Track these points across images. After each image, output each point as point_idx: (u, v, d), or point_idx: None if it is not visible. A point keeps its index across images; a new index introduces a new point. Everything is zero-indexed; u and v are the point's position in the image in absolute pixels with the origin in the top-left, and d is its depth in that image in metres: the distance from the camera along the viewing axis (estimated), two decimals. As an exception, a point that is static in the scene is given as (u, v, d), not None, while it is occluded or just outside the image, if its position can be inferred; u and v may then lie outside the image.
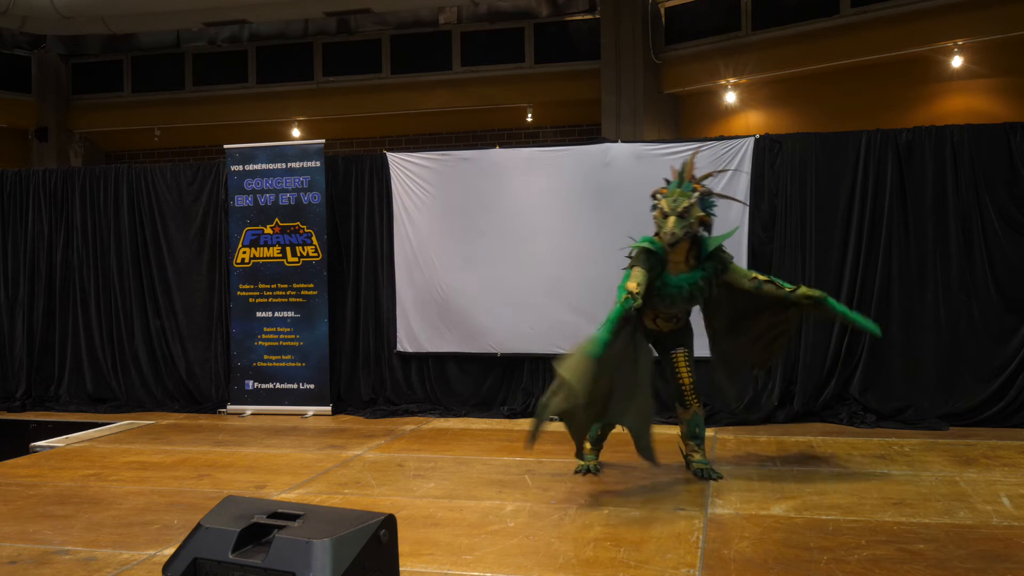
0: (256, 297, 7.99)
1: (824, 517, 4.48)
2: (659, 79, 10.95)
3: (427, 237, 7.67)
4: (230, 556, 2.59)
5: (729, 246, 7.06)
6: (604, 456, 5.98)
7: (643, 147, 7.48)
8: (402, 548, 3.20)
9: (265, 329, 7.98)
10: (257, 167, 7.99)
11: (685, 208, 5.10)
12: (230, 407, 8.02)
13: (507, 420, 7.38)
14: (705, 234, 5.30)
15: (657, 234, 5.21)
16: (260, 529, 2.66)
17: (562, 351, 7.33)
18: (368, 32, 12.08)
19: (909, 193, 6.96)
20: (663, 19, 10.97)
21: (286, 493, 5.13)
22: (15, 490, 5.32)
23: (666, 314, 5.35)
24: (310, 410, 7.84)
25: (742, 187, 7.14)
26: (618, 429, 5.79)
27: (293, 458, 6.11)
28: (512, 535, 4.27)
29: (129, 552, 4.13)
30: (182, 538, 2.91)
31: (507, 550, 4.05)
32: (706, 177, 5.34)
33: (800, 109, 10.22)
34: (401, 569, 2.92)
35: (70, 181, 8.56)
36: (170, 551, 3.50)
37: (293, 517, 2.66)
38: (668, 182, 5.31)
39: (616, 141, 7.61)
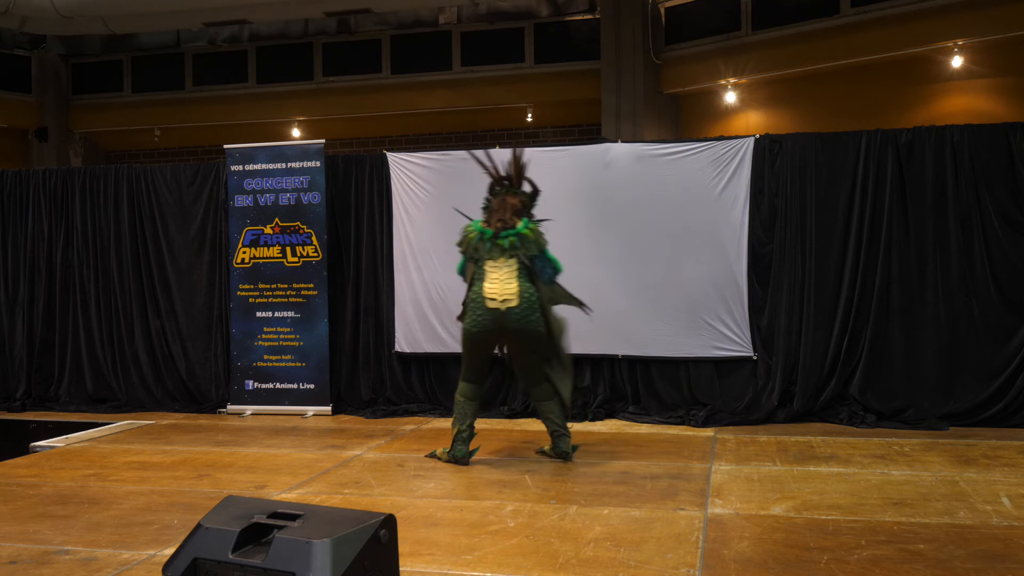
0: (256, 297, 7.99)
1: (824, 517, 4.48)
2: (659, 79, 10.96)
3: (427, 237, 7.66)
4: (230, 556, 2.59)
5: (730, 246, 7.16)
6: (605, 455, 5.99)
7: (643, 147, 7.48)
8: (402, 548, 3.20)
9: (265, 329, 7.98)
10: (257, 167, 7.99)
11: None
12: (230, 407, 8.02)
13: (507, 420, 7.38)
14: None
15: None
16: (260, 529, 2.66)
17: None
18: (368, 32, 12.09)
19: (909, 193, 6.96)
20: (663, 19, 10.98)
21: (286, 493, 5.13)
22: (15, 490, 5.32)
23: None
24: (310, 410, 7.85)
25: (743, 185, 7.15)
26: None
27: (293, 458, 6.11)
28: (512, 535, 4.27)
29: (129, 552, 4.13)
30: (182, 538, 2.91)
31: (507, 550, 4.05)
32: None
33: (800, 109, 10.23)
34: (401, 569, 2.92)
35: (70, 181, 8.55)
36: (170, 551, 3.50)
37: (293, 517, 2.66)
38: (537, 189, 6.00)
39: (616, 141, 7.61)
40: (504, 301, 5.58)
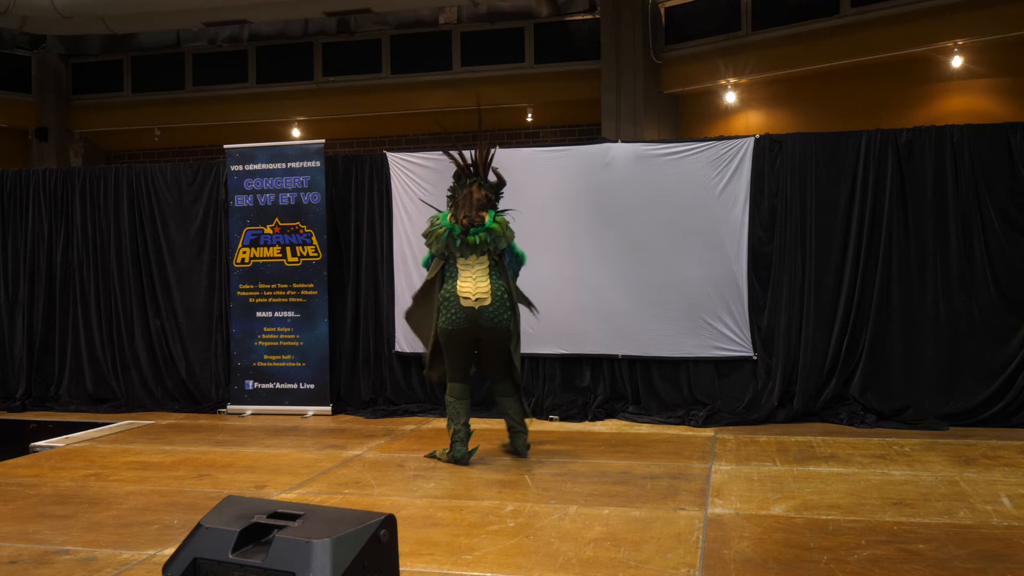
0: (256, 297, 7.99)
1: (824, 517, 4.48)
2: (659, 79, 10.95)
3: (427, 237, 7.66)
4: (230, 556, 2.59)
5: (730, 246, 7.16)
6: (605, 455, 5.99)
7: (643, 147, 7.48)
8: (402, 548, 3.20)
9: (265, 329, 7.98)
10: (257, 167, 7.99)
11: None
12: (230, 407, 8.02)
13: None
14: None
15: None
16: (260, 529, 2.66)
17: (562, 351, 7.42)
18: (368, 32, 12.09)
19: (909, 193, 6.96)
20: (663, 19, 10.98)
21: (286, 493, 5.13)
22: (15, 490, 5.32)
23: None
24: (310, 410, 7.84)
25: (743, 185, 7.15)
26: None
27: (293, 458, 6.11)
28: (512, 535, 4.27)
29: (129, 552, 4.13)
30: (182, 538, 2.91)
31: (507, 550, 4.05)
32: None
33: (800, 109, 10.23)
34: (401, 569, 2.92)
35: (70, 181, 8.55)
36: (170, 551, 3.50)
37: (293, 517, 2.66)
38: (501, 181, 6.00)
39: (616, 141, 7.61)
40: (478, 300, 5.64)
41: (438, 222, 5.85)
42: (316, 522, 2.62)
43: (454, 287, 5.69)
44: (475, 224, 5.73)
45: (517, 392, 5.92)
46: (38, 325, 8.53)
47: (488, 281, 5.69)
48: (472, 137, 6.32)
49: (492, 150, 6.03)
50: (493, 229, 5.75)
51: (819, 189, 7.09)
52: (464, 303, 5.64)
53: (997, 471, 5.34)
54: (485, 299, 5.65)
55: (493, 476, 5.48)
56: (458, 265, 5.73)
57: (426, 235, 5.91)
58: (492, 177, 6.01)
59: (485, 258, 5.73)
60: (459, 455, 5.77)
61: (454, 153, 5.99)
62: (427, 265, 5.99)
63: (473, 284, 5.67)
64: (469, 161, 5.96)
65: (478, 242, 5.70)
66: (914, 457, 5.76)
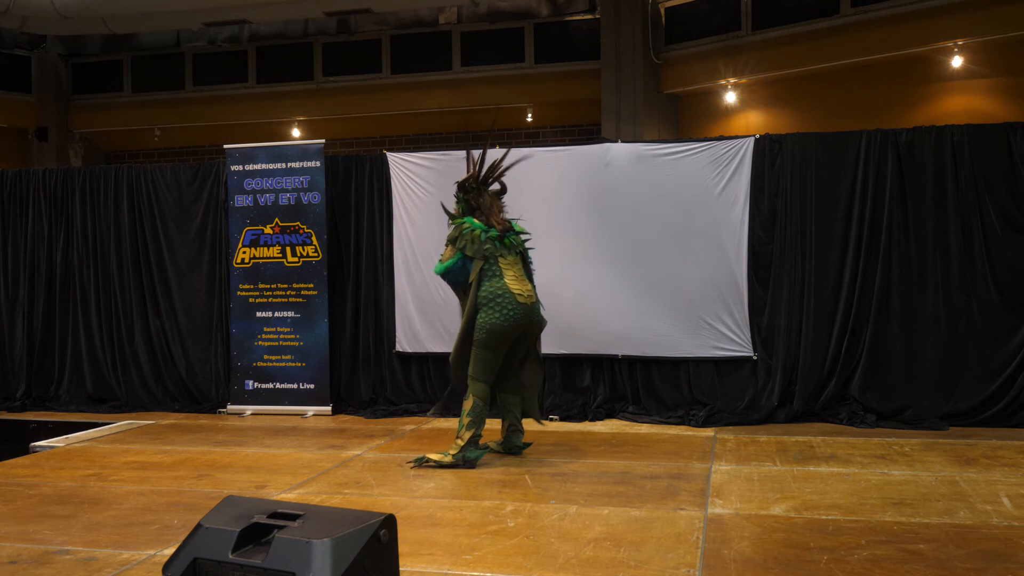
0: (256, 297, 7.99)
1: (824, 517, 4.48)
2: (659, 79, 10.96)
3: (427, 237, 7.67)
4: (230, 556, 2.59)
5: (730, 246, 7.16)
6: (605, 455, 5.99)
7: (643, 147, 7.48)
8: (402, 548, 3.20)
9: (265, 329, 7.98)
10: (257, 167, 7.99)
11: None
12: (230, 407, 8.02)
13: (507, 420, 7.38)
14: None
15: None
16: (260, 529, 2.66)
17: (562, 351, 7.42)
18: (368, 32, 12.10)
19: (909, 193, 6.96)
20: (663, 19, 10.98)
21: (286, 493, 5.13)
22: (15, 490, 5.32)
23: None
24: (310, 410, 7.85)
25: (743, 185, 7.15)
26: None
27: (293, 458, 6.12)
28: (512, 535, 4.27)
29: (129, 552, 4.13)
30: (182, 538, 2.91)
31: (507, 550, 4.05)
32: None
33: (800, 109, 10.24)
34: (401, 569, 2.92)
35: (70, 181, 8.55)
36: (170, 551, 3.51)
37: (293, 517, 2.66)
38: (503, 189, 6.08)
39: (616, 141, 7.61)
40: (528, 297, 5.76)
41: (467, 226, 5.81)
42: (316, 522, 2.62)
43: (504, 285, 5.69)
44: (508, 229, 5.87)
45: (520, 391, 6.00)
46: (38, 325, 8.53)
47: (527, 279, 5.87)
48: (472, 137, 6.35)
49: (504, 157, 6.06)
50: (522, 232, 5.99)
51: (819, 189, 7.09)
52: (520, 299, 5.70)
53: (997, 471, 5.34)
54: (532, 296, 5.81)
55: (493, 476, 5.48)
56: (501, 265, 5.76)
57: (453, 239, 5.81)
58: (495, 185, 6.06)
59: (519, 258, 5.89)
60: (473, 456, 5.71)
61: (475, 155, 6.02)
62: (446, 272, 5.79)
63: (519, 283, 5.76)
64: (484, 171, 5.99)
65: (515, 243, 5.86)
66: (914, 457, 5.76)
